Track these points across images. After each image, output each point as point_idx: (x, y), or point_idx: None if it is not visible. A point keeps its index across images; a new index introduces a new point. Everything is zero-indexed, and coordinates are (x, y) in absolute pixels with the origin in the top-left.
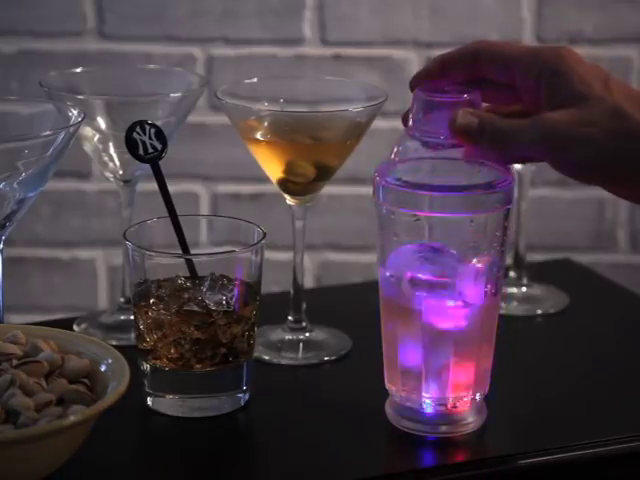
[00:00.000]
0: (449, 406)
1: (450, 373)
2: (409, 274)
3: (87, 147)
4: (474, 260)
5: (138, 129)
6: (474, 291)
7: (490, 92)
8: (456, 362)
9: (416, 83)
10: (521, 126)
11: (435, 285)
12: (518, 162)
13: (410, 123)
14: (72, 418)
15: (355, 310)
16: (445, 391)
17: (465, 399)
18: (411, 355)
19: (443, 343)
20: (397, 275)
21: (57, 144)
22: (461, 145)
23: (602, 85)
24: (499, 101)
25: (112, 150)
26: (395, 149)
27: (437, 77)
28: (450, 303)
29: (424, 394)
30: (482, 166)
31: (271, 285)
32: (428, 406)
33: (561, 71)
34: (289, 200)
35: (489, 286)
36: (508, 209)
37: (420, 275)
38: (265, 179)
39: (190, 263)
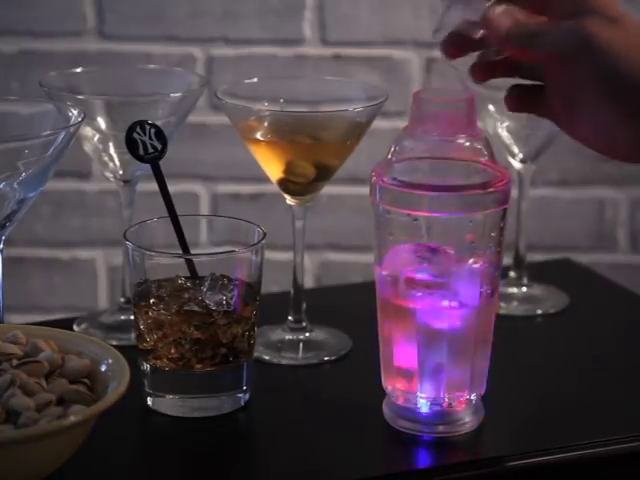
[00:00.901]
0: (444, 406)
1: (445, 373)
2: (405, 274)
3: (87, 147)
4: (470, 260)
5: (138, 129)
6: (470, 291)
7: None
8: (451, 362)
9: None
10: (558, 27)
11: (431, 285)
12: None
13: (408, 123)
14: (72, 418)
15: (355, 310)
16: (440, 391)
17: (461, 399)
18: (406, 354)
19: (438, 343)
20: (393, 275)
21: (57, 144)
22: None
23: None
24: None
25: (112, 150)
26: (392, 149)
27: None
28: (445, 303)
29: (419, 394)
30: (479, 166)
31: (271, 285)
32: (424, 406)
33: None
34: (289, 200)
35: (485, 287)
36: (504, 209)
37: (416, 275)
38: (265, 179)
39: (190, 263)
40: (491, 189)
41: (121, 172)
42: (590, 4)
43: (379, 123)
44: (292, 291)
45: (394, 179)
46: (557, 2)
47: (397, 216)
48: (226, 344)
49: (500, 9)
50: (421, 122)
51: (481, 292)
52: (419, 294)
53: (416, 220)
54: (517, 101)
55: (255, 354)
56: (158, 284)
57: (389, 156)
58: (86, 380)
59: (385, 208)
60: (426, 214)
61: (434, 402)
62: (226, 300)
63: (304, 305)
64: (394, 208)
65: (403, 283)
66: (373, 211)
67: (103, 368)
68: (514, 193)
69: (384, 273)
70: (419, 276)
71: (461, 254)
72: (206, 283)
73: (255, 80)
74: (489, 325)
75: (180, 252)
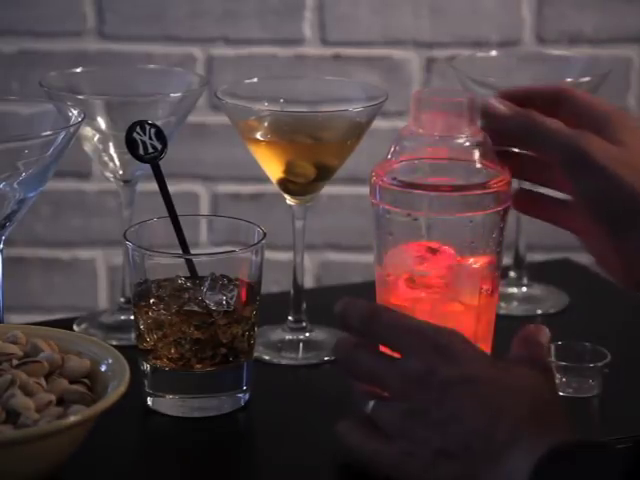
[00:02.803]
0: None
1: None
2: (405, 274)
3: (87, 147)
4: (470, 260)
5: (138, 129)
6: (470, 291)
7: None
8: None
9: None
10: (561, 130)
11: (431, 285)
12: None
13: (407, 123)
14: (72, 418)
15: None
16: None
17: None
18: None
19: None
20: (393, 275)
21: (57, 144)
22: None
23: None
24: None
25: (112, 150)
26: (392, 149)
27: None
28: (446, 303)
29: None
30: (479, 166)
31: (271, 285)
32: None
33: (612, 120)
34: (289, 200)
35: (485, 286)
36: (505, 209)
37: (416, 275)
38: (265, 179)
39: (190, 263)
40: (491, 189)
41: (121, 172)
42: (605, 122)
43: (379, 123)
44: (292, 291)
45: (394, 179)
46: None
47: (397, 216)
48: (226, 344)
49: (499, 100)
50: (421, 122)
51: (481, 292)
52: (419, 294)
53: (416, 220)
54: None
55: (255, 354)
56: (158, 284)
57: (389, 156)
58: (86, 380)
59: (385, 208)
60: (426, 214)
61: None
62: (226, 300)
63: (304, 305)
64: (394, 208)
65: (403, 283)
66: (373, 211)
67: (103, 368)
68: (511, 193)
69: (384, 273)
70: (419, 276)
71: (461, 254)
72: (206, 283)
73: (255, 80)
74: (490, 324)
75: (180, 252)
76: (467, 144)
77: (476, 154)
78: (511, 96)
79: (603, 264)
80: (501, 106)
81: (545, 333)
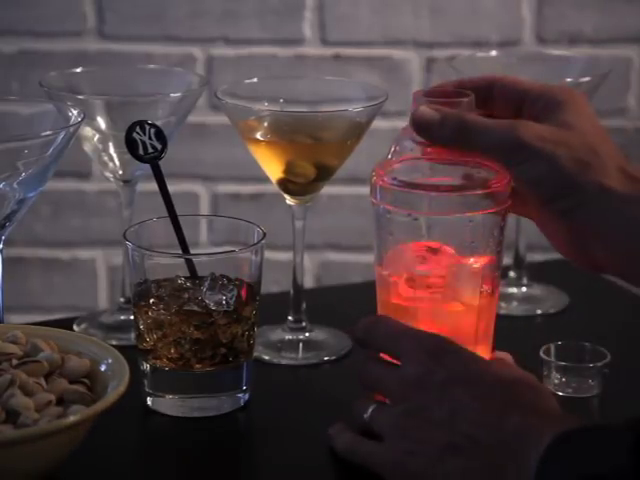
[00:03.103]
0: None
1: None
2: (406, 274)
3: (87, 147)
4: (471, 260)
5: (138, 129)
6: (470, 291)
7: None
8: None
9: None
10: (495, 123)
11: (432, 285)
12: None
13: (408, 123)
14: (72, 418)
15: (355, 310)
16: None
17: None
18: None
19: None
20: (394, 275)
21: (57, 144)
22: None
23: (599, 132)
24: None
25: (112, 150)
26: (392, 149)
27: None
28: (446, 303)
29: None
30: (479, 166)
31: (271, 285)
32: None
33: (564, 101)
34: (289, 200)
35: (485, 286)
36: (505, 209)
37: (417, 275)
38: (265, 179)
39: (190, 263)
40: (491, 189)
41: (121, 172)
42: (557, 107)
43: (379, 123)
44: (292, 291)
45: (394, 179)
46: (531, 106)
47: (397, 216)
48: (226, 344)
49: (425, 106)
50: None
51: (481, 292)
52: (420, 294)
53: (417, 220)
54: None
55: (255, 354)
56: (158, 284)
57: (389, 156)
58: (86, 380)
59: (385, 208)
60: (426, 214)
61: None
62: (226, 300)
63: (304, 305)
64: (394, 208)
65: (403, 283)
66: (373, 211)
67: (103, 368)
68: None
69: (384, 273)
70: (419, 276)
71: (461, 254)
72: (206, 283)
73: (255, 80)
74: (490, 324)
75: (180, 252)
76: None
77: (476, 154)
78: (441, 94)
79: (558, 246)
80: (429, 111)
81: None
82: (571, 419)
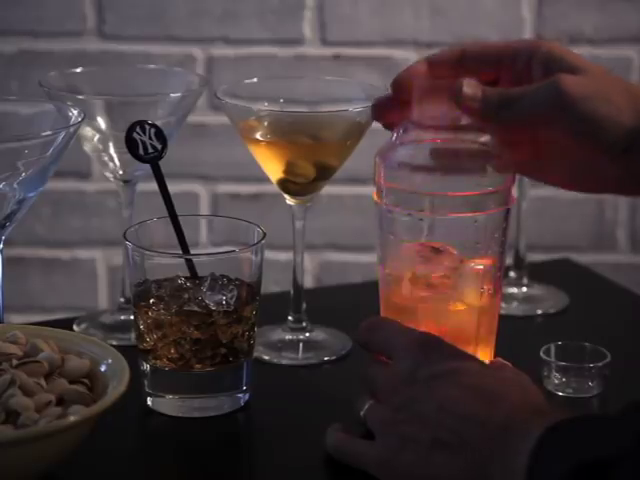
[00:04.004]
0: None
1: None
2: (409, 273)
3: (87, 147)
4: (473, 260)
5: (138, 129)
6: (472, 291)
7: None
8: None
9: (397, 84)
10: (535, 87)
11: (434, 285)
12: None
13: (414, 109)
14: (72, 418)
15: (355, 310)
16: None
17: None
18: None
19: None
20: (396, 274)
21: (57, 144)
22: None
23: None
24: None
25: (112, 150)
26: (396, 133)
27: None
28: (448, 303)
29: None
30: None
31: (271, 285)
32: None
33: (554, 50)
34: (289, 200)
35: (488, 287)
36: (507, 210)
37: (419, 274)
38: (265, 179)
39: (190, 263)
40: (494, 189)
41: (121, 172)
42: (558, 63)
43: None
44: (292, 291)
45: (399, 163)
46: (526, 70)
47: (401, 216)
48: (226, 344)
49: (467, 82)
50: (423, 111)
51: (483, 292)
52: (422, 294)
53: (421, 220)
54: None
55: (255, 354)
56: (158, 284)
57: (393, 139)
58: (86, 380)
59: (388, 208)
60: (429, 214)
61: None
62: (226, 300)
63: (304, 305)
64: (398, 208)
65: (406, 283)
66: (376, 210)
67: (103, 368)
68: (514, 193)
69: (387, 272)
70: (422, 276)
71: (464, 254)
72: (206, 283)
73: (255, 80)
74: (492, 325)
75: (180, 252)
76: (472, 144)
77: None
78: (410, 74)
79: (605, 189)
80: (471, 88)
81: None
82: (560, 412)
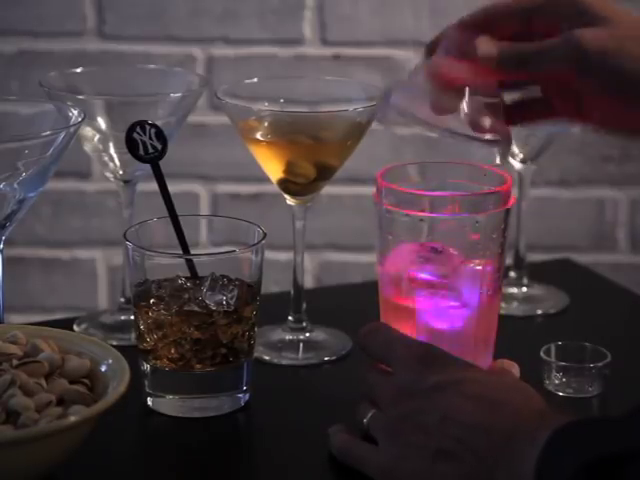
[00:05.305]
0: None
1: None
2: (408, 274)
3: (87, 147)
4: (473, 261)
5: (138, 129)
6: (472, 292)
7: None
8: None
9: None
10: (552, 43)
11: (433, 285)
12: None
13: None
14: (72, 418)
15: (355, 310)
16: None
17: None
18: None
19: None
20: (396, 274)
21: (57, 144)
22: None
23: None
24: None
25: (112, 150)
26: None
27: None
28: (448, 303)
29: None
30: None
31: (271, 285)
32: None
33: (581, 2)
34: (289, 200)
35: (487, 287)
36: (507, 210)
37: (419, 275)
38: (265, 179)
39: (190, 263)
40: (493, 190)
41: (121, 172)
42: (582, 8)
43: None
44: (292, 291)
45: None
46: (550, 17)
47: (400, 216)
48: (226, 344)
49: (483, 39)
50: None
51: (483, 293)
52: (421, 294)
53: (421, 220)
54: (521, 116)
55: (255, 354)
56: (158, 284)
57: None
58: (86, 380)
59: (388, 208)
60: (429, 215)
61: None
62: (226, 300)
63: (304, 305)
64: (397, 209)
65: (406, 283)
66: (376, 211)
67: (103, 368)
68: (514, 193)
69: (386, 272)
70: (422, 276)
71: (464, 254)
72: (206, 283)
73: (255, 80)
74: (491, 325)
75: (180, 252)
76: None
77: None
78: (467, 25)
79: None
80: (487, 47)
81: (517, 369)
82: (564, 415)
